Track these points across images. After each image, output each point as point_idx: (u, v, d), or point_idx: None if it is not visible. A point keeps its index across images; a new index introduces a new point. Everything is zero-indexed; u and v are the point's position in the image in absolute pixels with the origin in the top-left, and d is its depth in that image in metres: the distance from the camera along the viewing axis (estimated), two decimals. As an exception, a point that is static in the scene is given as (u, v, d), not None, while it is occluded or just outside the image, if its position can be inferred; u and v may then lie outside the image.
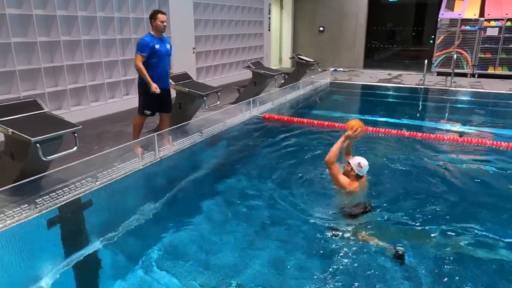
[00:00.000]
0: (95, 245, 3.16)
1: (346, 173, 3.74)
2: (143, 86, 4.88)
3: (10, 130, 3.39)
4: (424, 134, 5.91)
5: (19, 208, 3.33)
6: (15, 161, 3.63)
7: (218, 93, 5.99)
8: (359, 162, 3.62)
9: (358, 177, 3.66)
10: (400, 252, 2.96)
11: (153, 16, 4.82)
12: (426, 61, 10.07)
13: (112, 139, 5.66)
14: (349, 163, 3.68)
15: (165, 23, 4.82)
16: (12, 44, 5.61)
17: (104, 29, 7.08)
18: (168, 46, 4.99)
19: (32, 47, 5.96)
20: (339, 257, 2.99)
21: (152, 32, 4.84)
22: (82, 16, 6.65)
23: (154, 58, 4.80)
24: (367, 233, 3.28)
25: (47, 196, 3.55)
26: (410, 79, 11.59)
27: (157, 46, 4.78)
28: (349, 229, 3.30)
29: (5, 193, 3.36)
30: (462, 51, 11.94)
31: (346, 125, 3.76)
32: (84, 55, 6.73)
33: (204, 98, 5.66)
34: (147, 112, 4.99)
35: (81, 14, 6.60)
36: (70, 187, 3.76)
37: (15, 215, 3.28)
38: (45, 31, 6.18)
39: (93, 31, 6.90)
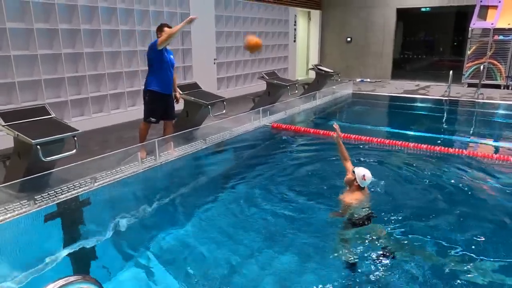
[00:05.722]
0: (89, 241, 3.42)
1: (348, 182, 3.78)
2: (148, 94, 5.20)
3: (16, 132, 3.80)
4: (430, 146, 5.77)
5: (19, 203, 3.70)
6: (21, 160, 4.03)
7: (224, 102, 6.21)
8: (363, 174, 3.64)
9: (360, 188, 3.70)
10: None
11: (160, 29, 5.12)
12: (451, 72, 9.76)
13: (127, 144, 6.00)
14: (354, 172, 3.70)
15: None
16: (39, 56, 6.17)
17: (126, 41, 7.57)
18: (171, 56, 5.31)
19: (57, 58, 6.51)
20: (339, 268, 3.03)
21: None
22: (105, 30, 7.16)
23: (161, 62, 5.09)
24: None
25: (46, 194, 3.90)
26: (437, 90, 11.25)
27: (164, 53, 5.11)
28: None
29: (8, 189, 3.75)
30: (495, 62, 11.46)
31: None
32: (106, 66, 7.23)
33: (209, 106, 5.90)
34: (152, 119, 5.28)
35: (104, 28, 7.11)
36: (68, 186, 4.10)
37: (15, 209, 3.65)
38: (70, 44, 6.72)
39: (115, 43, 7.40)
